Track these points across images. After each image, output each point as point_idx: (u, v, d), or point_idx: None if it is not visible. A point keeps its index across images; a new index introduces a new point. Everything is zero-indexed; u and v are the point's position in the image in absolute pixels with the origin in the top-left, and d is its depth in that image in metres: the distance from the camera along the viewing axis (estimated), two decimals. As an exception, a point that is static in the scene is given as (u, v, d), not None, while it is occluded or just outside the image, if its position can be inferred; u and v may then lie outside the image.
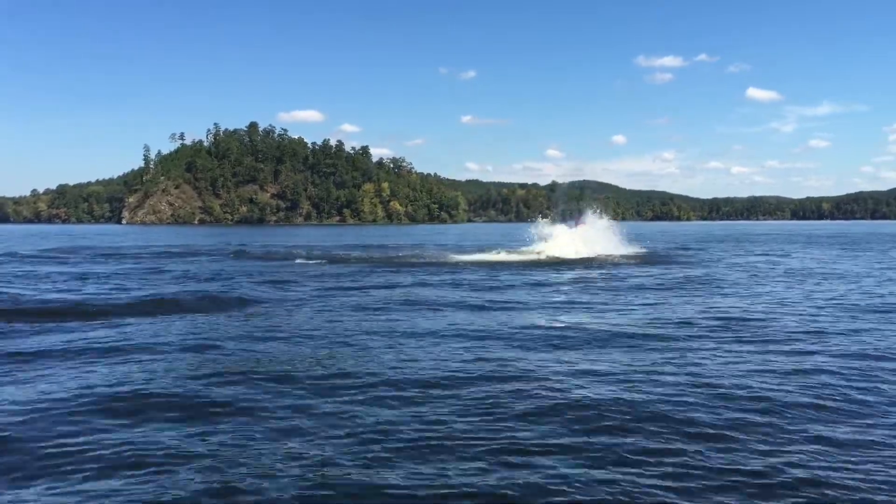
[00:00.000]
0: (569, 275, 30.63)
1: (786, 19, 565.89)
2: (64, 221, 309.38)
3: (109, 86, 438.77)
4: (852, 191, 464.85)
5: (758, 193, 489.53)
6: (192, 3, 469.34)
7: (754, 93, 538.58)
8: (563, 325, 16.70)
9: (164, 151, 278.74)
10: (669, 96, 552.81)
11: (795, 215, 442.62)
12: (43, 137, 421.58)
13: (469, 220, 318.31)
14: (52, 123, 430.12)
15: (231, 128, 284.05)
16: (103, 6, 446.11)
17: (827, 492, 6.89)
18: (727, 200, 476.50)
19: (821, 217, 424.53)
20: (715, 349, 13.55)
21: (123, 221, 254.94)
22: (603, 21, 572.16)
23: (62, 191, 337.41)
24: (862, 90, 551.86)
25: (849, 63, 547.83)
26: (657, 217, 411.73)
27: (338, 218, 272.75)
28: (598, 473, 7.26)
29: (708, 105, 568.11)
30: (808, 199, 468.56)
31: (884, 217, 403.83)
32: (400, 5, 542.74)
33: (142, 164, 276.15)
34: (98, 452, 7.76)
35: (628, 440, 8.27)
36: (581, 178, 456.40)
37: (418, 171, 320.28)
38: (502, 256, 41.95)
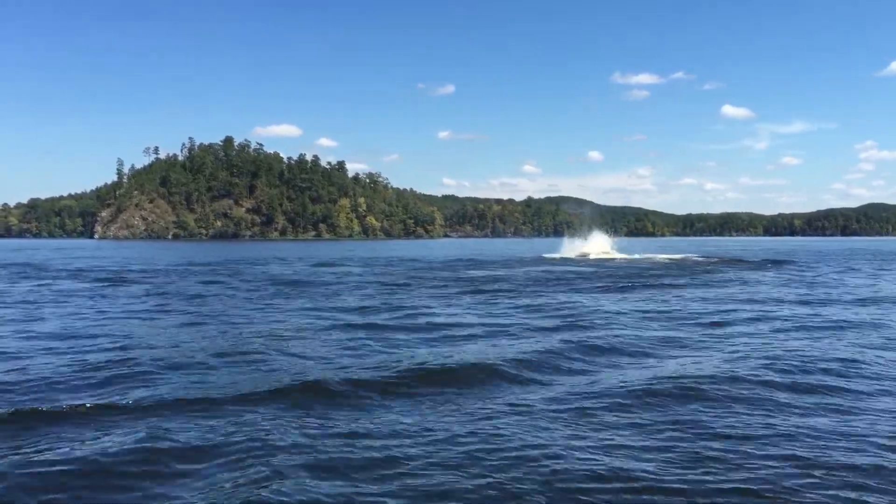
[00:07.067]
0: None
1: (760, 38, 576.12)
2: (35, 235, 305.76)
3: (83, 98, 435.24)
4: (823, 207, 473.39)
5: (730, 210, 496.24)
6: (167, 15, 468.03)
7: (728, 110, 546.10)
8: None
9: (138, 165, 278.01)
10: (645, 113, 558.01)
11: (768, 231, 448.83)
12: (14, 150, 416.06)
13: (445, 236, 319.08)
14: (23, 136, 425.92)
15: (206, 142, 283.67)
16: (75, 17, 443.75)
17: None
18: (700, 216, 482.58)
19: (792, 233, 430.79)
20: None
21: (96, 236, 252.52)
22: (580, 38, 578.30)
23: (33, 204, 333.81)
24: (833, 108, 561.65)
25: (820, 81, 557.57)
26: (632, 233, 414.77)
27: (313, 233, 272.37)
28: None
29: (683, 122, 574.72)
30: (780, 215, 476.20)
31: (854, 233, 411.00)
32: (378, 20, 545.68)
33: (115, 177, 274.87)
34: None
35: None
36: (557, 194, 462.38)
37: (395, 187, 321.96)
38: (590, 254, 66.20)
